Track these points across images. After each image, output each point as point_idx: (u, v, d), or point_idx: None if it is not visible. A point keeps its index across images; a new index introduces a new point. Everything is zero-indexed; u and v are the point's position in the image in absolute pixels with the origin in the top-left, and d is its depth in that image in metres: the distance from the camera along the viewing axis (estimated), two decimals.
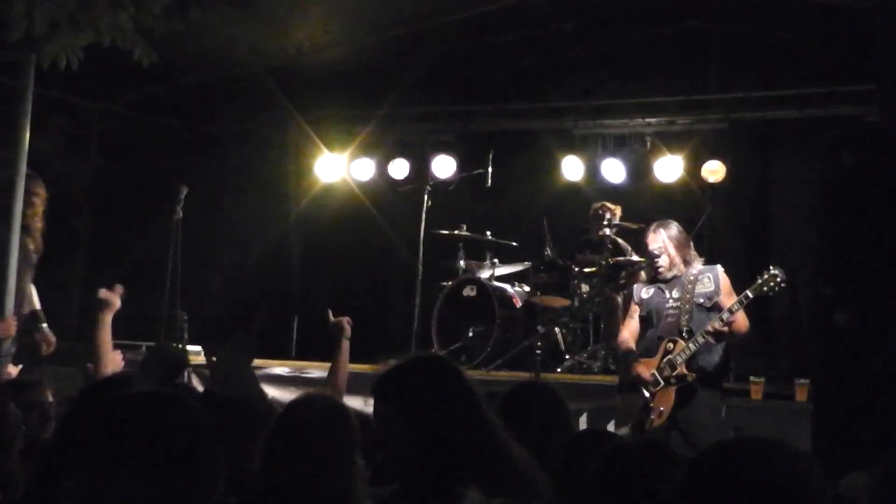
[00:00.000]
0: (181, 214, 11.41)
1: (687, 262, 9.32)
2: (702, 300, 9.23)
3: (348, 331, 7.40)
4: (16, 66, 9.93)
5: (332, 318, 7.60)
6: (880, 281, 7.58)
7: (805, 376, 9.90)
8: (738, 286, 9.27)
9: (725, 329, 8.88)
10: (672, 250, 9.23)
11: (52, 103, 11.42)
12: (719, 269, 9.27)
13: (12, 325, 9.19)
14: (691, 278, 9.26)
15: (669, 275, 9.28)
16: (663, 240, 9.25)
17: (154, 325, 11.49)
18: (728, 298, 9.16)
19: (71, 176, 13.83)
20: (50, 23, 9.12)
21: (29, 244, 9.62)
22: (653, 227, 9.39)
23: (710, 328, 8.86)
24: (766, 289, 8.95)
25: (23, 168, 9.98)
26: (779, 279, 8.92)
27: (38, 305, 9.71)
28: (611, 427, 9.90)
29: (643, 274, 10.76)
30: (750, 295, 8.98)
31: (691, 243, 9.46)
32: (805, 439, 7.98)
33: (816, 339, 8.22)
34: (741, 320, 9.08)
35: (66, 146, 13.76)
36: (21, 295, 9.49)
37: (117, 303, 7.43)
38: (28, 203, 9.60)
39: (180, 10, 9.21)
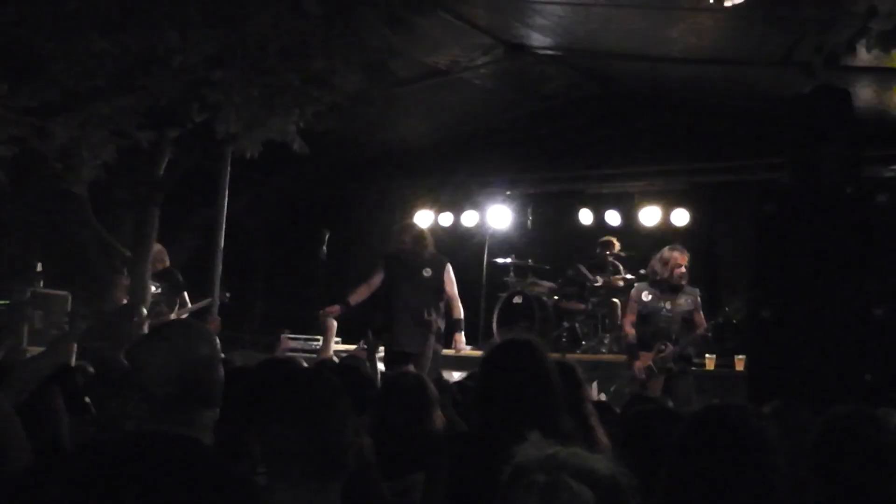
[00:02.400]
0: (325, 249, 11.59)
1: (684, 283, 9.37)
2: (685, 315, 9.28)
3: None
4: (218, 154, 10.18)
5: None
6: (793, 289, 7.58)
7: (742, 353, 9.92)
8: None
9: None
10: (685, 269, 9.30)
11: (241, 178, 11.57)
12: (697, 291, 9.36)
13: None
14: (681, 297, 9.30)
15: (677, 285, 9.27)
16: (687, 260, 9.34)
17: (313, 323, 11.61)
18: (698, 314, 9.24)
19: (254, 225, 13.99)
20: (241, 126, 9.32)
21: None
22: (682, 249, 9.45)
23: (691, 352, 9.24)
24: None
25: (222, 218, 10.22)
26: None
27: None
28: (613, 389, 9.96)
29: (636, 285, 10.86)
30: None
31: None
32: (742, 397, 8.02)
33: (749, 327, 8.20)
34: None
35: (251, 206, 13.91)
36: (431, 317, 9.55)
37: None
38: None
39: (321, 116, 9.41)
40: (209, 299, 10.39)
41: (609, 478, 2.10)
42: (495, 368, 3.89)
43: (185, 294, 10.64)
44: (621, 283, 12.23)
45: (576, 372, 4.68)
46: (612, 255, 12.43)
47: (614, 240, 12.57)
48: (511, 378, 3.77)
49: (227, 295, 10.42)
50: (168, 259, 10.68)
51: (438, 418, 4.59)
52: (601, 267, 12.43)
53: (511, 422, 3.39)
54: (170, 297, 10.53)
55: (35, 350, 9.80)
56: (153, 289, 10.22)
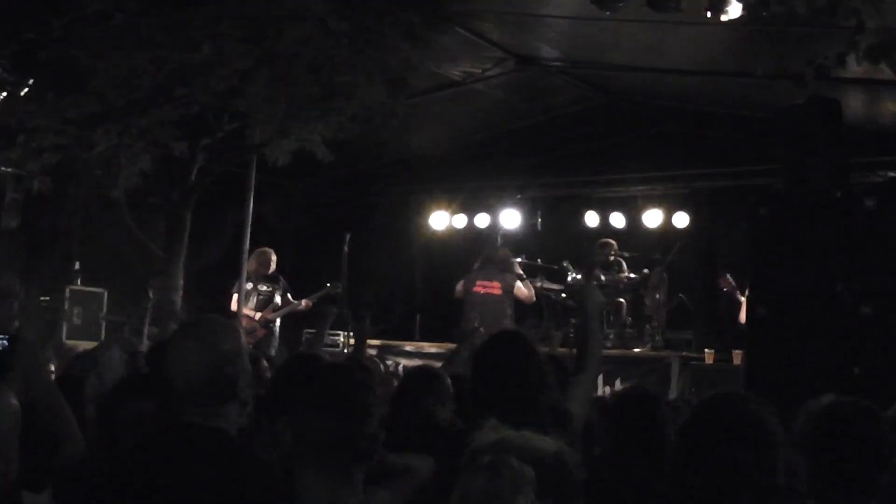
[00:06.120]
0: (347, 250, 11.63)
1: None
2: None
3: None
4: (246, 161, 10.26)
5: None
6: (785, 288, 7.63)
7: (739, 347, 9.96)
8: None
9: None
10: None
11: (267, 183, 11.65)
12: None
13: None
14: None
15: None
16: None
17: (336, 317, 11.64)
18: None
19: (280, 227, 14.01)
20: (269, 135, 9.40)
21: None
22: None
23: None
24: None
25: (248, 221, 10.27)
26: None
27: None
28: (617, 383, 10.03)
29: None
30: None
31: None
32: (739, 388, 8.07)
33: (746, 324, 8.24)
34: None
35: (277, 209, 13.94)
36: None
37: None
38: None
39: (344, 127, 9.48)
40: (328, 287, 11.24)
41: (552, 455, 2.20)
42: (486, 359, 3.84)
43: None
44: (625, 282, 12.29)
45: (563, 362, 4.79)
46: (614, 254, 12.45)
47: (611, 241, 12.60)
48: (501, 367, 3.71)
49: (339, 287, 10.99)
50: (274, 263, 11.32)
51: (450, 410, 4.59)
52: (605, 267, 12.45)
53: (499, 410, 3.30)
54: (282, 296, 11.28)
55: (71, 344, 9.98)
56: (264, 288, 11.12)
